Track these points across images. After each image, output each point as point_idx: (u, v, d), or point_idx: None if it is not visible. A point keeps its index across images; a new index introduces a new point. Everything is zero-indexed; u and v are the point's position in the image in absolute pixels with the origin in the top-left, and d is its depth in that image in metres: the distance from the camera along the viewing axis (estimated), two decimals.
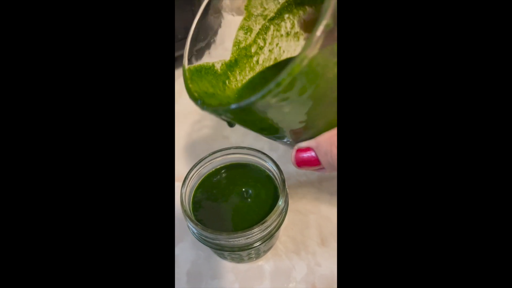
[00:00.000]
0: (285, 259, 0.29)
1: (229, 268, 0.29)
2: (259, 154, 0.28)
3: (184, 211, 0.24)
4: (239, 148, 0.28)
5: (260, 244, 0.25)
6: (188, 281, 0.29)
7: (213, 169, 0.29)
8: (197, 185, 0.28)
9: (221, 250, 0.25)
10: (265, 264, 0.29)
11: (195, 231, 0.24)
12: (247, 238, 0.24)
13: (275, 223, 0.25)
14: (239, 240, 0.24)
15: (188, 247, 0.31)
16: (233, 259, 0.29)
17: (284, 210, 0.25)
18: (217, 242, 0.24)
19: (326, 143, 0.20)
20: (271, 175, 0.28)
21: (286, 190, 0.25)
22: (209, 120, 0.43)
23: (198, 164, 0.27)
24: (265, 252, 0.29)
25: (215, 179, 0.29)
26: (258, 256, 0.29)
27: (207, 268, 0.29)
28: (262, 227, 0.23)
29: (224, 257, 0.29)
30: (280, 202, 0.24)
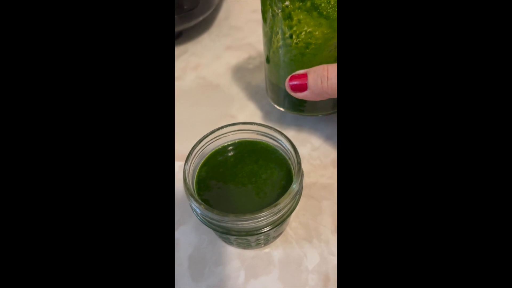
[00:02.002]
0: (296, 246, 0.27)
1: (234, 254, 0.27)
2: (272, 131, 0.25)
3: (187, 189, 0.22)
4: (248, 124, 0.26)
5: (270, 229, 0.22)
6: (189, 266, 0.26)
7: (220, 146, 0.27)
8: (201, 163, 0.26)
9: (226, 234, 0.22)
10: (274, 251, 0.27)
11: (199, 212, 0.22)
12: (256, 222, 0.21)
13: (287, 207, 0.22)
14: (247, 224, 0.21)
15: (190, 230, 0.29)
16: (239, 245, 0.26)
17: (298, 194, 0.23)
18: (223, 224, 0.22)
19: (322, 68, 0.27)
20: (284, 154, 0.25)
21: (302, 172, 0.23)
22: (215, 98, 0.41)
23: (203, 139, 0.25)
24: (275, 238, 0.27)
25: (221, 157, 0.26)
26: (267, 242, 0.26)
27: (210, 253, 0.27)
28: (274, 210, 0.21)
29: (230, 242, 0.26)
30: (295, 185, 0.22)
